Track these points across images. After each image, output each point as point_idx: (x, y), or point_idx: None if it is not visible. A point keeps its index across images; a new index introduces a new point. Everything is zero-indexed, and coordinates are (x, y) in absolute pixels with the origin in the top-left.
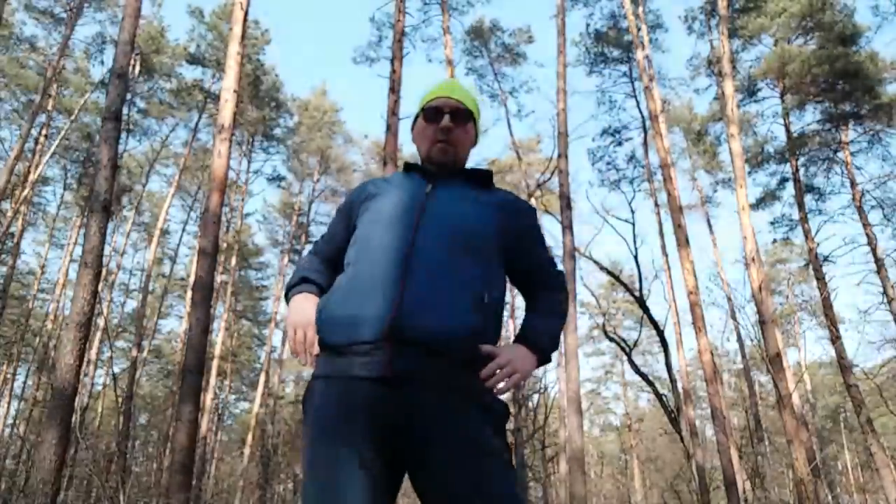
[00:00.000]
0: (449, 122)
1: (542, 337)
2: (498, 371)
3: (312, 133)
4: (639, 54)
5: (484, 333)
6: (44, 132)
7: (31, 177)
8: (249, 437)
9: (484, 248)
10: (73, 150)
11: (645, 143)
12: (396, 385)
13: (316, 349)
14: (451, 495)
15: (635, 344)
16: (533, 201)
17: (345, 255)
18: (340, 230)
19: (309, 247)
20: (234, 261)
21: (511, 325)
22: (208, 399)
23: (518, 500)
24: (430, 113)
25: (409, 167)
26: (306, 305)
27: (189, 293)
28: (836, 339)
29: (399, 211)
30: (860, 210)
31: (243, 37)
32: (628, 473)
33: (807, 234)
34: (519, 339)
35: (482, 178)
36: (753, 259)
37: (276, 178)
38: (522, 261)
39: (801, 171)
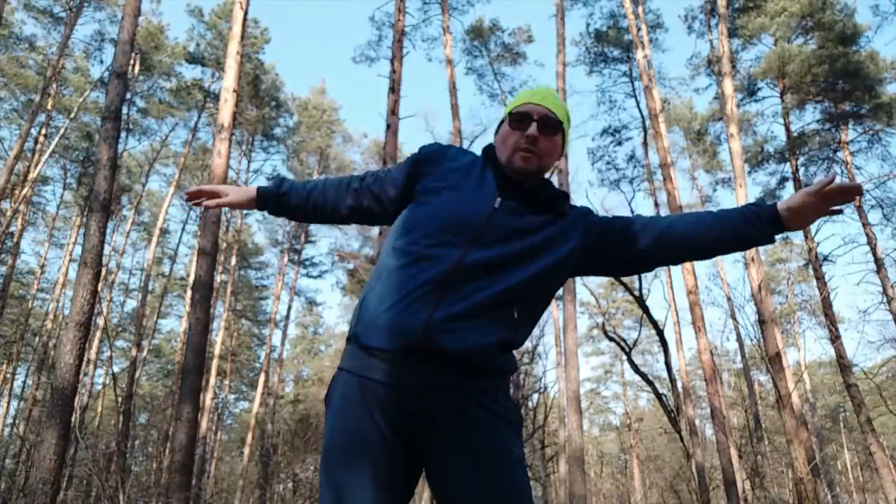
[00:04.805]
0: (536, 130)
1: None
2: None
3: (312, 132)
4: (639, 54)
5: (511, 343)
6: (43, 131)
7: (31, 176)
8: (249, 437)
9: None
10: (73, 150)
11: (645, 143)
12: (416, 393)
13: (213, 202)
14: (470, 500)
15: (635, 343)
16: None
17: (365, 198)
18: (390, 183)
19: (308, 246)
20: (233, 260)
21: None
22: (208, 399)
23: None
24: (517, 118)
25: (488, 160)
26: (244, 188)
27: (189, 293)
28: (835, 338)
29: (461, 220)
30: (860, 210)
31: (243, 36)
32: (628, 473)
33: (806, 233)
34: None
35: (554, 201)
36: (753, 259)
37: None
38: (620, 243)
39: (801, 170)
